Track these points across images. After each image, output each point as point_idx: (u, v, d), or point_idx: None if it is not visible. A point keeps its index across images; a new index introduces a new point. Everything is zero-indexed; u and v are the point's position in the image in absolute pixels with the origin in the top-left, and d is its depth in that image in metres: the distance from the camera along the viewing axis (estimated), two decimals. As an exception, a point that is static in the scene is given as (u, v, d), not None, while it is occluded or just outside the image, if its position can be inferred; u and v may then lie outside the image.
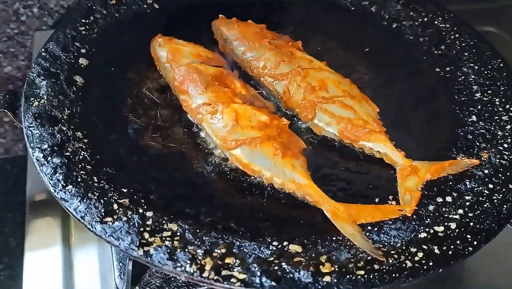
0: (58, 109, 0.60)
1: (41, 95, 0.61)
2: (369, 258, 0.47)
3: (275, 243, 0.49)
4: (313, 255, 0.48)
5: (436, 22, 0.79)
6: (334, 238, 0.50)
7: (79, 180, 0.52)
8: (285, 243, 0.49)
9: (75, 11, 0.75)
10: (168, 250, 0.46)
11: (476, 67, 0.71)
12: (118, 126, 0.62)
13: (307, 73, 0.66)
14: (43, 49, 0.67)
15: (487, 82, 0.69)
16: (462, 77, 0.71)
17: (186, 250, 0.47)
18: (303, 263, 0.46)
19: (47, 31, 0.96)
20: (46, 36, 0.70)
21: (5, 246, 0.89)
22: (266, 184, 0.57)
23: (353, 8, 0.84)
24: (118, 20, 0.76)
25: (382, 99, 0.68)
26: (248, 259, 0.47)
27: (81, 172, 0.53)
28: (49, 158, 0.54)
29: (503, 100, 0.66)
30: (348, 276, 0.45)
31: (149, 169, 0.57)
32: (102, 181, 0.53)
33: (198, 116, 0.62)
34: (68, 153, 0.55)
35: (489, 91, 0.68)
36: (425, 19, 0.80)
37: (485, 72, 0.70)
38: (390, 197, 0.56)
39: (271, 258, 0.47)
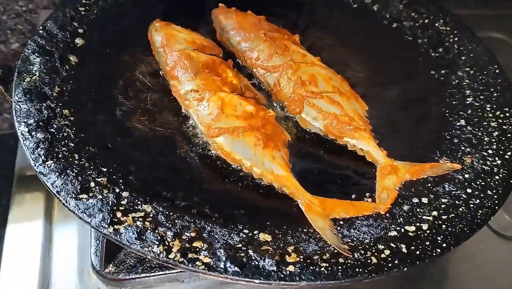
0: (49, 86, 0.61)
1: (33, 71, 0.62)
2: (335, 251, 0.48)
3: (245, 231, 0.50)
4: (281, 245, 0.48)
5: (436, 24, 0.79)
6: (304, 230, 0.50)
7: (60, 156, 0.53)
8: (256, 231, 0.50)
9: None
10: (138, 230, 0.47)
11: (472, 72, 0.71)
12: (107, 107, 0.63)
13: (298, 67, 0.66)
14: (40, 27, 0.68)
15: (481, 88, 0.69)
16: (456, 81, 0.71)
17: (156, 231, 0.48)
18: (270, 252, 0.47)
19: (54, 10, 0.97)
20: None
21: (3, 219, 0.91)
22: (247, 173, 0.57)
23: (355, 6, 0.84)
24: (118, 2, 0.77)
25: (373, 98, 0.69)
26: (216, 244, 0.47)
27: (63, 148, 0.54)
28: (33, 133, 0.55)
29: (494, 106, 0.66)
30: (311, 267, 0.46)
31: (132, 151, 0.58)
32: (83, 159, 0.54)
33: (185, 102, 0.62)
34: (52, 130, 0.56)
35: (481, 97, 0.68)
36: (426, 20, 0.80)
37: (480, 78, 0.70)
38: (367, 194, 0.56)
39: (239, 245, 0.48)
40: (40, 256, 0.59)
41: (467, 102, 0.67)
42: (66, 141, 0.55)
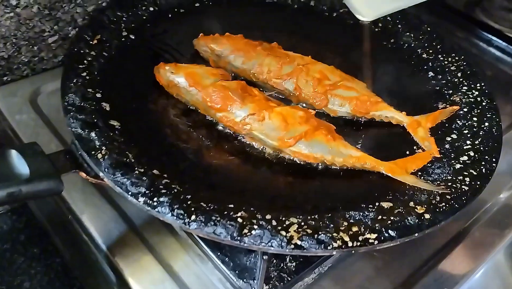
0: (122, 154, 0.62)
1: (97, 146, 0.62)
2: (438, 193, 0.63)
3: (370, 206, 0.61)
4: (403, 205, 0.61)
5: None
6: (405, 190, 0.64)
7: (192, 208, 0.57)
8: (377, 203, 0.62)
9: (67, 60, 0.74)
10: (312, 239, 0.55)
11: (412, 34, 0.91)
12: (178, 156, 0.67)
13: (308, 68, 0.78)
14: (65, 103, 0.67)
15: (425, 44, 0.89)
16: (406, 45, 0.90)
17: (322, 233, 0.56)
18: (403, 212, 0.60)
19: None
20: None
21: None
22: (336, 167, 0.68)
23: (295, 6, 0.97)
24: (109, 57, 0.77)
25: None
26: (370, 224, 0.58)
27: (184, 203, 0.58)
28: (155, 198, 0.57)
29: (444, 55, 0.86)
30: (437, 210, 0.60)
31: (231, 185, 0.64)
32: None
33: (246, 127, 0.69)
34: (164, 190, 0.59)
35: (431, 50, 0.88)
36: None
37: (421, 37, 0.90)
38: (415, 147, 0.72)
39: (380, 217, 0.59)
40: None
41: (424, 57, 0.87)
42: (183, 196, 0.58)
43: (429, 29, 0.91)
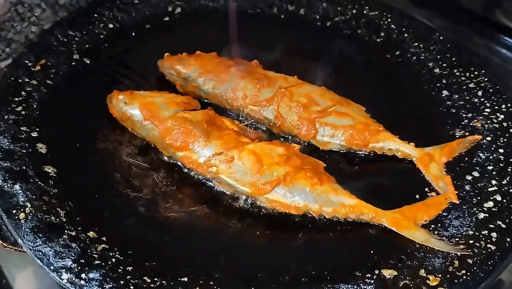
0: (51, 213, 0.50)
1: (21, 203, 0.50)
2: (457, 255, 0.48)
3: (368, 274, 0.47)
4: (411, 273, 0.47)
5: (365, 12, 0.82)
6: (414, 250, 0.50)
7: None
8: (376, 271, 0.47)
9: (1, 90, 0.62)
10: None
11: (422, 45, 0.76)
12: (126, 209, 0.54)
13: (291, 91, 0.64)
14: (-10, 149, 0.54)
15: (438, 57, 0.74)
16: (414, 57, 0.75)
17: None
18: (410, 285, 0.45)
19: None
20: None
21: None
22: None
23: (282, 16, 0.83)
24: (53, 86, 0.65)
25: (354, 99, 0.68)
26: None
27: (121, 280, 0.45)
28: (84, 274, 0.44)
29: (460, 69, 0.71)
30: (455, 280, 0.46)
31: (189, 245, 0.51)
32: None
33: (211, 169, 0.56)
34: (98, 261, 0.46)
35: (444, 64, 0.73)
36: (354, 11, 0.82)
37: (432, 48, 0.76)
38: (426, 189, 0.58)
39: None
40: None
41: (436, 72, 0.72)
42: (120, 266, 0.46)
43: (441, 38, 0.76)
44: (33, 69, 0.65)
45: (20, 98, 0.61)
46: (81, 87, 0.67)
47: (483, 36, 1.05)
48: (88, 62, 0.70)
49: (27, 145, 0.56)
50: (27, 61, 0.66)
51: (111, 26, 0.75)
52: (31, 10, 0.79)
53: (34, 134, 0.58)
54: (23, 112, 0.60)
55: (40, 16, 0.81)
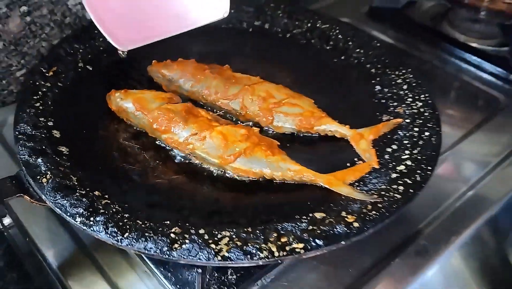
0: (66, 178, 0.66)
1: (43, 171, 0.66)
2: (371, 202, 0.64)
3: (304, 217, 0.63)
4: (335, 215, 0.63)
5: (318, 25, 0.99)
6: (340, 200, 0.66)
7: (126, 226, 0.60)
8: (311, 214, 0.63)
9: (23, 91, 0.78)
10: (241, 251, 0.57)
11: (362, 51, 0.93)
12: (122, 177, 0.69)
13: (253, 88, 0.81)
14: (17, 132, 0.71)
15: (374, 60, 0.91)
16: (356, 61, 0.92)
17: (249, 245, 0.58)
18: (334, 222, 0.61)
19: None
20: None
21: None
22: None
23: (250, 29, 1.01)
24: (63, 88, 0.81)
25: (308, 94, 0.85)
26: (299, 234, 0.59)
27: (120, 222, 0.60)
28: (92, 218, 0.60)
29: (392, 69, 0.88)
30: (367, 218, 0.61)
31: (171, 204, 0.66)
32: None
33: (188, 146, 0.72)
34: (102, 210, 0.62)
35: (379, 65, 0.90)
36: (309, 24, 1.00)
37: (370, 53, 0.92)
38: (355, 159, 0.74)
39: (311, 227, 0.61)
40: None
41: (373, 72, 0.89)
42: (119, 215, 0.61)
43: (378, 44, 0.94)
44: (47, 74, 0.81)
45: (38, 97, 0.77)
46: (85, 88, 0.83)
47: (428, 44, 1.23)
48: (90, 68, 0.87)
49: (45, 131, 0.72)
50: (42, 69, 0.82)
51: (108, 40, 0.92)
52: (42, 28, 0.96)
53: (50, 123, 0.74)
54: (40, 107, 0.76)
55: (49, 33, 0.97)
